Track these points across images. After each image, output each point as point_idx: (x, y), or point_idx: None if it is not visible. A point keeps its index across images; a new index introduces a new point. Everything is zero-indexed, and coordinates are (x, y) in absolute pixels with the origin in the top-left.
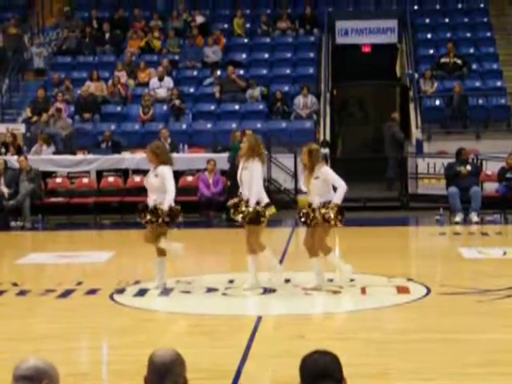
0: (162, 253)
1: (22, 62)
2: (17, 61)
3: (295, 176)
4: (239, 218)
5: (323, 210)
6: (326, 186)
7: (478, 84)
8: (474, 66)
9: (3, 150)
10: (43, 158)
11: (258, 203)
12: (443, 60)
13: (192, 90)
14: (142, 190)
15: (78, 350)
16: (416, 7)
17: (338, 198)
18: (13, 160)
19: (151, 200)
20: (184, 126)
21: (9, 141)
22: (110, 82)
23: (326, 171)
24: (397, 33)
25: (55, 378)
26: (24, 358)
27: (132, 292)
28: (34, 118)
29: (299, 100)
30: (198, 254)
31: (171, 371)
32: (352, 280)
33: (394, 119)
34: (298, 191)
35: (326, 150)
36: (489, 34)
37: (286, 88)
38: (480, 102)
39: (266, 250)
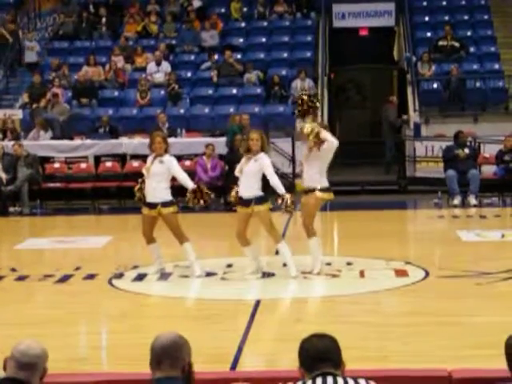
0: (152, 240)
1: (18, 50)
2: (12, 49)
3: (293, 160)
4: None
5: None
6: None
7: (475, 67)
8: (472, 49)
9: (0, 136)
10: (41, 143)
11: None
12: (441, 43)
13: (189, 74)
14: (140, 175)
15: (77, 335)
16: None
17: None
18: (10, 145)
19: (151, 187)
20: (182, 111)
21: (10, 127)
22: (107, 66)
23: (326, 147)
24: (394, 16)
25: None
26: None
27: (130, 277)
28: (32, 104)
29: (297, 84)
30: (196, 239)
31: (169, 355)
32: (350, 263)
33: (391, 102)
34: (295, 175)
35: None
36: (486, 17)
37: (284, 72)
38: (478, 84)
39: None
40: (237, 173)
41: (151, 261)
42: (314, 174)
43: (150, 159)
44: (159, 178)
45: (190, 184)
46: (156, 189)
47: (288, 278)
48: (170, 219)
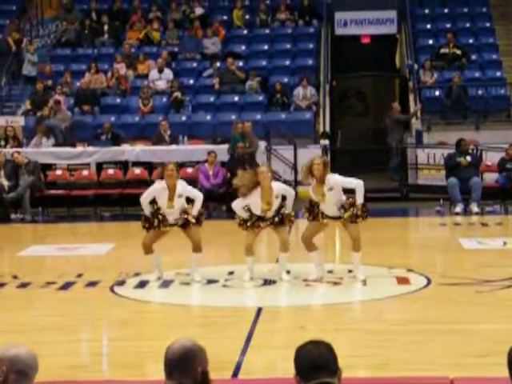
0: (152, 251)
1: (21, 58)
2: (15, 56)
3: (295, 167)
4: None
5: (348, 214)
6: (340, 193)
7: (477, 74)
8: (474, 57)
9: (2, 143)
10: (43, 150)
11: None
12: (443, 50)
13: (191, 81)
14: (141, 182)
15: (79, 342)
16: None
17: (360, 197)
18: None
19: (177, 213)
20: (184, 118)
21: (10, 134)
22: (110, 73)
23: (337, 180)
24: (396, 23)
25: (15, 363)
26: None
27: (132, 284)
28: (35, 111)
29: (299, 91)
30: None
31: (180, 366)
32: (351, 271)
33: (394, 108)
34: (297, 182)
35: (325, 142)
36: (488, 25)
37: (286, 79)
38: (480, 92)
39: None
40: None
41: (153, 268)
42: (340, 202)
43: (163, 192)
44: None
45: (196, 210)
46: (178, 213)
47: (290, 285)
48: (197, 228)
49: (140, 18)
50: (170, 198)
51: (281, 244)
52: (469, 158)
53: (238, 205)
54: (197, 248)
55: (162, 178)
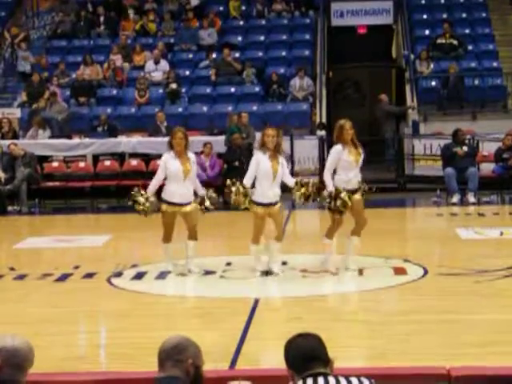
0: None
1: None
2: (10, 48)
3: (291, 158)
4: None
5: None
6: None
7: (473, 64)
8: (470, 47)
9: None
10: (39, 142)
11: None
12: (439, 41)
13: (188, 72)
14: (138, 174)
15: (76, 334)
16: None
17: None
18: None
19: (186, 188)
20: (180, 109)
21: (5, 125)
22: (106, 65)
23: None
24: (392, 14)
25: (17, 355)
26: None
27: (129, 275)
28: (31, 103)
29: (295, 82)
30: None
31: (169, 357)
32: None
33: (382, 100)
34: (294, 174)
35: (322, 133)
36: (484, 15)
37: (282, 70)
38: (476, 82)
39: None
40: None
41: (150, 259)
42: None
43: (172, 158)
44: (192, 179)
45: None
46: (190, 189)
47: (287, 276)
48: (197, 214)
49: (136, 10)
50: (184, 163)
51: (276, 230)
52: (465, 149)
53: None
54: (193, 235)
55: (171, 146)
